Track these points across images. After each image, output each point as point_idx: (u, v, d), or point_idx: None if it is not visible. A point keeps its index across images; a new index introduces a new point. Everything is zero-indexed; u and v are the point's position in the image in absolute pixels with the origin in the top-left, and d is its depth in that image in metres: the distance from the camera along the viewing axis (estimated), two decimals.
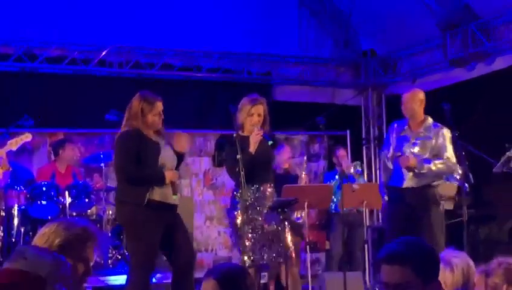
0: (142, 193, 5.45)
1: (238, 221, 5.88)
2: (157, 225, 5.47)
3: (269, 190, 6.01)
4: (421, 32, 10.02)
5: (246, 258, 5.79)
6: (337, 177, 8.77)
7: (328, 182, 8.85)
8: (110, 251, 8.09)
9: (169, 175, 5.51)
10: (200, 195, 10.25)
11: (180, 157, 5.78)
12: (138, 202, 5.46)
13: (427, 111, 7.32)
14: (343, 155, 8.84)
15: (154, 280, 7.65)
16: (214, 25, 10.17)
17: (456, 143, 6.84)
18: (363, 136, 11.44)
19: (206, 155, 10.29)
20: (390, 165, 6.74)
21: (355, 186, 7.82)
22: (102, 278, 7.31)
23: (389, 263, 2.67)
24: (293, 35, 11.00)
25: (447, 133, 6.74)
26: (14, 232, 7.83)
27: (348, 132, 11.03)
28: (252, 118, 5.95)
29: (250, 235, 5.81)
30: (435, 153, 6.69)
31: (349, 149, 10.83)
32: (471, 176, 6.90)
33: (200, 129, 10.30)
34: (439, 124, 6.85)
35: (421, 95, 6.79)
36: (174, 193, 5.53)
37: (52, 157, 8.83)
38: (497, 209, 9.38)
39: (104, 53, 9.69)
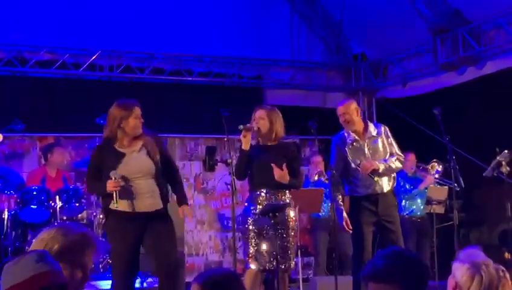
0: (107, 203, 5.57)
1: (251, 227, 5.96)
2: (125, 233, 5.52)
3: (285, 194, 6.12)
4: (411, 36, 10.04)
5: (253, 266, 5.86)
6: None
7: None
8: (101, 255, 8.06)
9: (108, 185, 5.49)
10: (191, 199, 10.25)
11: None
12: (106, 211, 5.68)
13: (418, 115, 7.36)
14: (318, 161, 8.93)
15: (145, 284, 7.66)
16: (205, 29, 10.17)
17: (446, 147, 6.88)
18: None
19: (197, 159, 10.28)
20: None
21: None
22: (93, 283, 7.28)
23: (374, 281, 2.67)
24: (285, 40, 11.02)
25: (386, 128, 6.71)
26: (4, 236, 7.79)
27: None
28: (256, 123, 6.18)
29: (259, 240, 5.88)
30: (386, 151, 6.66)
31: None
32: (461, 180, 6.93)
33: (191, 133, 10.30)
34: (377, 123, 6.85)
35: (354, 104, 6.73)
36: (115, 201, 5.49)
37: (43, 161, 8.80)
38: (487, 213, 9.42)
39: (94, 57, 9.68)
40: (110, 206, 5.54)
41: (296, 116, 10.41)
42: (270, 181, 5.96)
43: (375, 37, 10.79)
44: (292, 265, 6.07)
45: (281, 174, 5.94)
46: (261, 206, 5.92)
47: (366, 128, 6.66)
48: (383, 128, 6.71)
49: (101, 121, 8.19)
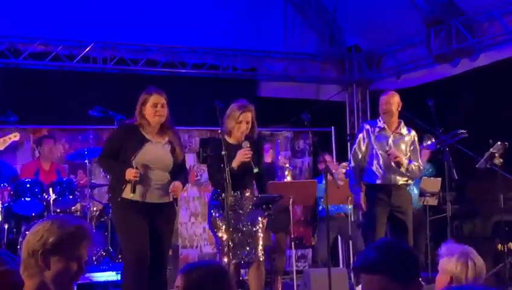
0: (118, 189, 5.48)
1: (218, 222, 5.91)
2: (138, 221, 5.46)
3: (247, 194, 6.07)
4: (405, 28, 10.04)
5: (225, 259, 5.82)
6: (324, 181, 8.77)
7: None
8: (94, 248, 8.05)
9: (128, 173, 5.44)
10: (185, 191, 10.24)
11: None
12: (116, 199, 5.54)
13: (412, 107, 7.37)
14: (330, 161, 8.91)
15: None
16: (199, 20, 10.15)
17: (440, 139, 6.92)
18: (348, 132, 11.46)
19: (191, 152, 10.27)
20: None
21: (340, 182, 7.82)
22: (86, 275, 7.27)
23: (365, 272, 2.71)
24: (278, 32, 11.00)
25: (415, 135, 7.00)
26: None
27: (332, 128, 11.05)
28: (240, 125, 5.98)
29: (228, 236, 5.82)
30: (408, 155, 6.82)
31: (333, 145, 10.88)
32: (455, 171, 6.94)
33: (185, 126, 10.28)
34: (410, 128, 7.00)
35: (398, 98, 6.92)
36: (132, 191, 5.47)
37: (36, 154, 8.79)
38: (480, 205, 9.43)
39: (88, 49, 9.65)
40: (123, 196, 5.47)
41: (289, 108, 10.45)
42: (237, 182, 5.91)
43: (369, 29, 10.78)
44: (261, 263, 6.04)
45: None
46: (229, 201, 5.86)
47: (398, 125, 6.92)
48: (413, 132, 6.99)
49: (95, 113, 8.22)
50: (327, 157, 8.87)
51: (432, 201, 8.92)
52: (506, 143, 7.51)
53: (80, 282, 7.07)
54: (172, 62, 10.26)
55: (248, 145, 5.91)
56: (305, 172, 11.10)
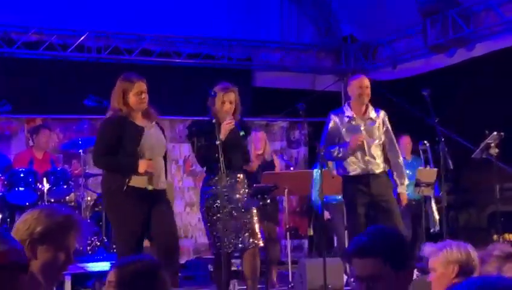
0: (120, 179, 5.40)
1: (209, 208, 5.90)
2: (137, 211, 5.42)
3: (240, 176, 6.02)
4: (401, 18, 10.01)
5: (218, 245, 5.80)
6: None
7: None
8: (89, 238, 8.03)
9: (143, 165, 5.39)
10: (180, 181, 10.21)
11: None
12: (117, 189, 5.42)
13: (407, 97, 7.33)
14: None
15: None
16: (194, 10, 10.11)
17: (436, 129, 6.86)
18: None
19: (186, 142, 10.23)
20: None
21: (334, 172, 7.78)
22: (81, 265, 7.25)
23: (359, 257, 2.72)
24: (274, 21, 10.97)
25: (386, 116, 6.72)
26: None
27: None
28: (223, 105, 5.95)
29: (219, 222, 5.80)
30: (382, 140, 6.65)
31: None
32: (450, 162, 6.91)
33: (180, 116, 10.24)
34: (378, 108, 6.78)
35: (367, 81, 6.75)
36: (150, 183, 5.44)
37: (30, 143, 8.75)
38: (476, 195, 9.43)
39: (82, 38, 9.61)
40: (133, 184, 5.37)
41: (285, 98, 10.42)
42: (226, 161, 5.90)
43: (365, 19, 10.75)
44: (257, 250, 6.02)
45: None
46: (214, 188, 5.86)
47: (366, 109, 6.66)
48: (381, 113, 6.71)
49: (89, 103, 8.17)
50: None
51: (428, 191, 8.89)
52: (502, 133, 7.48)
53: (74, 272, 7.07)
54: (167, 52, 10.23)
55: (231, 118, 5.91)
56: (300, 162, 11.07)
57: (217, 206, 5.84)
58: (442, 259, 3.44)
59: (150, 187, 5.42)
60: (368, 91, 6.59)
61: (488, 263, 3.45)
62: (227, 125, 5.87)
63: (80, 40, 9.60)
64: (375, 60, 11.14)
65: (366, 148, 6.50)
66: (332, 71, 11.56)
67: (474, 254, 3.45)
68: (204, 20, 10.27)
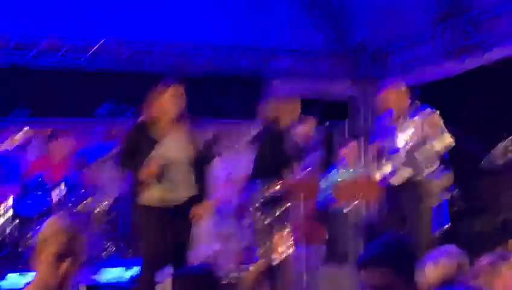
0: (139, 193, 5.44)
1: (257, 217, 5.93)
2: (155, 226, 5.44)
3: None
4: (412, 25, 10.03)
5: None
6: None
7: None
8: (104, 243, 8.06)
9: (143, 172, 5.41)
10: None
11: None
12: (137, 203, 5.50)
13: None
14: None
15: None
16: (204, 18, 10.13)
17: None
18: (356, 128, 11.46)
19: None
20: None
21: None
22: (94, 277, 7.26)
23: (370, 267, 2.72)
24: (284, 29, 10.97)
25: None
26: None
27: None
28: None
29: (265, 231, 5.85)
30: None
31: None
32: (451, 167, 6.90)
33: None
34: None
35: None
36: (164, 195, 5.44)
37: (45, 151, 8.79)
38: (488, 202, 9.40)
39: (96, 46, 9.64)
40: (144, 203, 5.42)
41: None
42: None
43: (376, 26, 10.77)
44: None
45: None
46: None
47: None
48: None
49: (104, 111, 8.22)
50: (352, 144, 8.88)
51: (446, 196, 8.84)
52: None
53: (88, 284, 7.07)
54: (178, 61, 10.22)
55: None
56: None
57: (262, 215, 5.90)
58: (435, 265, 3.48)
59: (162, 203, 5.41)
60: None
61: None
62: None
63: (94, 48, 9.62)
64: (386, 67, 11.13)
65: None
66: (343, 78, 11.54)
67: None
68: (214, 28, 10.27)
